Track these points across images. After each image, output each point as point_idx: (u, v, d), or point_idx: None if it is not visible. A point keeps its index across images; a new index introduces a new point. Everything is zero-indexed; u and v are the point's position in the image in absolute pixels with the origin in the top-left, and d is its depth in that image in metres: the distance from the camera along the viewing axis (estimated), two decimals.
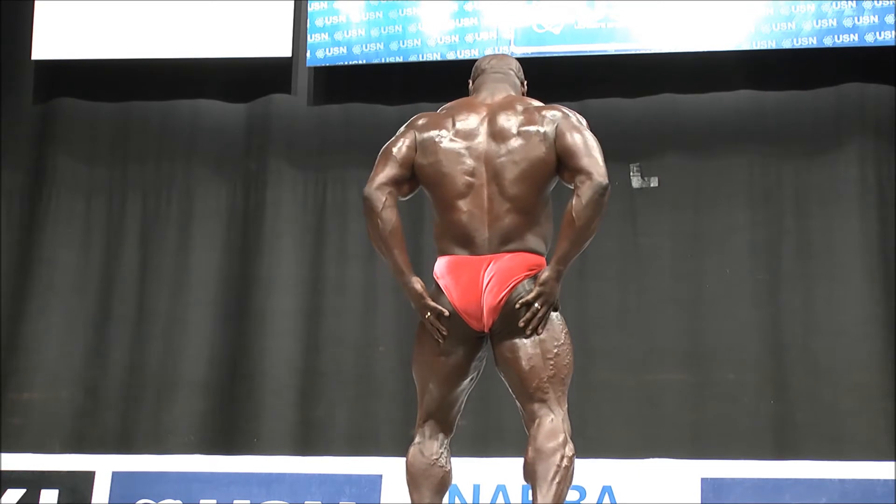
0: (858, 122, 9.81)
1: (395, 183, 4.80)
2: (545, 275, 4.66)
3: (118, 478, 8.90)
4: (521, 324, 4.66)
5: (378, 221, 4.74)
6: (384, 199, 4.75)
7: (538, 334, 4.67)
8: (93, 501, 8.78)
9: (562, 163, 4.71)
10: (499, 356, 4.75)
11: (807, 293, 9.70)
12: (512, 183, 4.69)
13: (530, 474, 4.51)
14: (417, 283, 4.76)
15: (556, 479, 4.46)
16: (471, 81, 5.17)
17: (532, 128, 4.75)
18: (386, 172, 4.80)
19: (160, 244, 10.48)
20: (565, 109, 4.84)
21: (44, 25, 10.52)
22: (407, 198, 4.91)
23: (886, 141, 9.75)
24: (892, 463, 8.35)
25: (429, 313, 4.73)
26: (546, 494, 4.44)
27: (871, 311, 9.54)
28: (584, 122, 4.83)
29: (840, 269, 9.67)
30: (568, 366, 4.71)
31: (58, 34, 10.50)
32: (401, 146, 4.85)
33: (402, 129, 4.94)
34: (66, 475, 8.95)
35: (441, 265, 4.78)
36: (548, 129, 4.73)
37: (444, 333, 4.72)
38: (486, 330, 4.71)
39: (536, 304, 4.66)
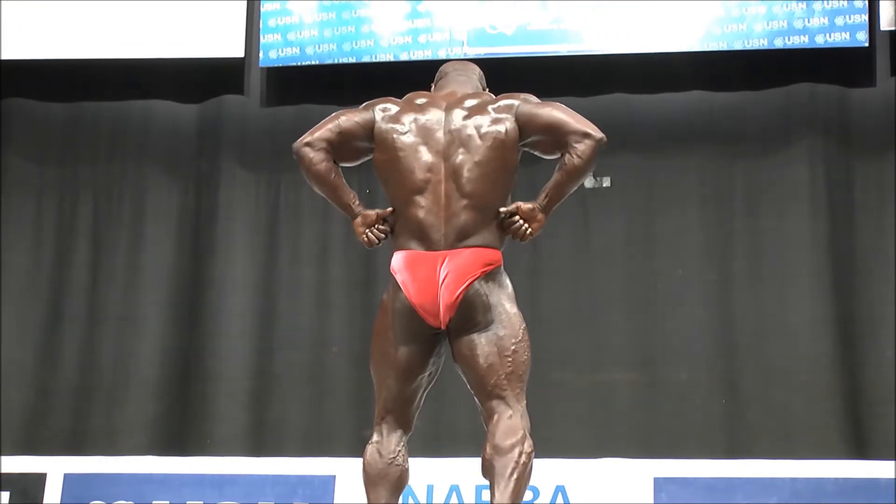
0: (808, 122, 9.88)
1: (329, 144, 4.81)
2: (531, 203, 4.75)
3: (70, 479, 8.84)
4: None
5: (313, 173, 4.84)
6: (312, 155, 4.81)
7: (496, 331, 4.67)
8: (44, 503, 8.73)
9: (546, 139, 4.77)
10: (457, 353, 4.73)
11: (757, 293, 9.76)
12: (470, 179, 4.69)
13: (488, 471, 4.51)
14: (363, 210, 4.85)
15: (514, 476, 4.45)
16: (433, 85, 5.15)
17: (491, 124, 4.74)
18: (321, 134, 4.81)
19: (112, 245, 10.42)
20: (519, 95, 4.83)
21: None
22: (342, 165, 4.89)
23: (836, 141, 9.82)
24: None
25: (377, 225, 4.80)
26: (504, 491, 4.44)
27: (821, 311, 9.60)
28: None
29: (790, 270, 9.73)
30: (526, 362, 4.70)
31: (7, 34, 10.38)
32: (351, 118, 4.84)
33: (365, 104, 4.91)
34: (17, 477, 8.87)
35: (398, 260, 4.75)
36: (508, 124, 4.74)
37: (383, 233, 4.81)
38: (442, 327, 4.68)
39: (520, 222, 4.75)
